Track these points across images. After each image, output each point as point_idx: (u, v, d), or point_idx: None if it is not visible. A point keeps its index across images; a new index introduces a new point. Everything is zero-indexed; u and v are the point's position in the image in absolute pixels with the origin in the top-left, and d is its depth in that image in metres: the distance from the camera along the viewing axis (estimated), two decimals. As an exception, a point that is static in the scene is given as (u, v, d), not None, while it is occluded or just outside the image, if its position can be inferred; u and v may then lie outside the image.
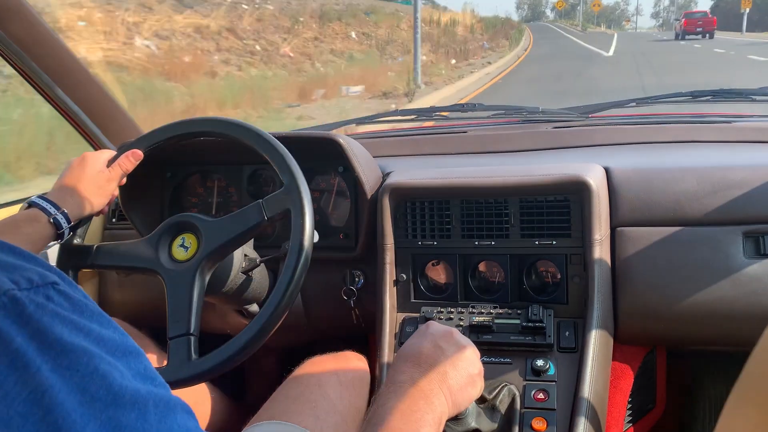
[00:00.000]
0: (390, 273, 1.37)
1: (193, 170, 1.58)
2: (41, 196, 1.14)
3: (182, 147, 1.30)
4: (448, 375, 0.79)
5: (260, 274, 1.32)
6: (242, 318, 1.41)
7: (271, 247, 1.34)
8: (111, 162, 1.22)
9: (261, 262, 1.28)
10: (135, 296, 1.58)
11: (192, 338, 1.08)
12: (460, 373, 0.80)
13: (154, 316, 1.20)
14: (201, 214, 1.17)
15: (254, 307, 1.36)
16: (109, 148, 1.62)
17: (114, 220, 1.61)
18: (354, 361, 1.32)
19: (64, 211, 1.13)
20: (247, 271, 1.26)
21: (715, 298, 1.23)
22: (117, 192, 1.27)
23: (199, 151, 1.51)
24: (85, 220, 1.22)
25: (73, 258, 1.20)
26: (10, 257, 0.42)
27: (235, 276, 1.24)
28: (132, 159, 1.23)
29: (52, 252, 1.43)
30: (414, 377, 0.76)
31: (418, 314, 1.35)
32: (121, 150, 1.24)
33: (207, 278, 1.14)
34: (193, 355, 1.06)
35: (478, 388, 0.85)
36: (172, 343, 1.08)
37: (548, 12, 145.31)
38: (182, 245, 1.17)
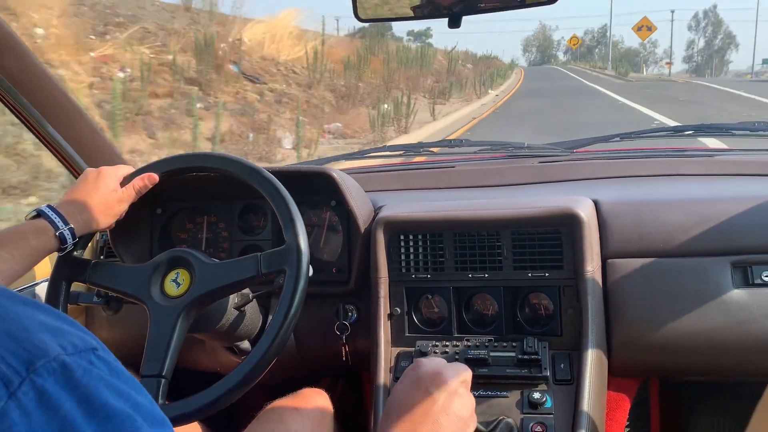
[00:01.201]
0: (384, 307, 1.37)
1: (183, 206, 1.57)
2: (51, 207, 1.12)
3: (173, 182, 1.29)
4: (441, 425, 0.78)
5: (252, 310, 1.31)
6: (232, 355, 1.38)
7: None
8: (126, 181, 1.21)
9: (253, 297, 1.26)
10: (123, 335, 1.55)
11: (162, 381, 1.06)
12: (452, 419, 0.79)
13: (142, 355, 1.18)
14: (197, 251, 1.16)
15: (245, 344, 1.34)
16: None
17: (102, 257, 1.59)
18: (313, 397, 1.31)
19: (71, 226, 1.12)
20: (239, 307, 1.24)
21: (706, 328, 1.25)
22: (124, 213, 1.25)
23: (189, 187, 1.50)
24: (89, 235, 1.21)
25: (70, 269, 1.18)
26: (56, 321, 0.42)
27: (228, 312, 1.22)
28: (147, 182, 1.21)
29: (41, 289, 1.40)
30: (407, 430, 0.76)
31: (413, 348, 1.34)
32: (139, 171, 1.23)
33: (191, 321, 1.13)
34: (160, 400, 1.05)
35: (471, 428, 0.83)
36: (143, 381, 1.06)
37: (560, 55, 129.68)
38: (175, 280, 1.15)
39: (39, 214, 1.12)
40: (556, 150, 1.82)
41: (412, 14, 1.07)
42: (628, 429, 1.40)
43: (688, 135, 1.74)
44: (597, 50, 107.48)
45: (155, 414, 0.43)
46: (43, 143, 1.47)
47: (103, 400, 0.39)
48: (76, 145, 1.49)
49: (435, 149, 1.92)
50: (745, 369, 1.29)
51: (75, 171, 1.54)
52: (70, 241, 1.13)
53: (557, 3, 1.06)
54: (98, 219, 1.18)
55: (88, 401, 0.38)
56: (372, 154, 1.93)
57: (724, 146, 1.78)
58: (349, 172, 1.84)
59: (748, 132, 1.69)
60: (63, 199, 1.17)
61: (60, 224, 1.11)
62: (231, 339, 1.30)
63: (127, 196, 1.21)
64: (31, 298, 0.43)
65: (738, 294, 1.25)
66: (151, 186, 1.22)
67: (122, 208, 1.22)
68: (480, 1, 1.03)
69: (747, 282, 1.25)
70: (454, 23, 1.06)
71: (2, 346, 0.37)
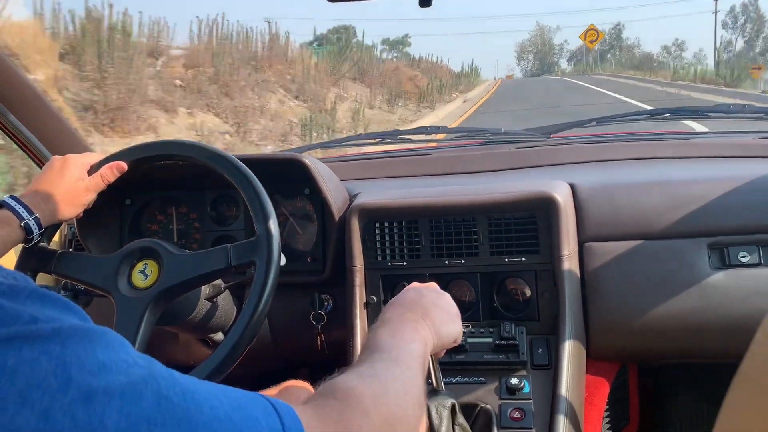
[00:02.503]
0: (360, 295, 1.35)
1: (153, 196, 1.54)
2: (14, 198, 1.08)
3: (143, 172, 1.26)
4: (430, 311, 0.85)
5: (225, 302, 1.28)
6: (207, 348, 1.35)
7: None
8: (93, 170, 1.17)
9: (225, 288, 1.23)
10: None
11: None
12: (442, 311, 0.88)
13: None
14: (166, 242, 1.13)
15: (219, 336, 1.31)
16: None
17: (71, 249, 1.55)
18: (298, 391, 1.28)
19: (36, 216, 1.08)
20: (211, 298, 1.21)
21: (683, 309, 1.24)
22: (91, 202, 1.20)
23: (159, 177, 1.47)
24: (56, 226, 1.17)
25: (35, 261, 1.15)
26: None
27: (200, 304, 1.19)
28: (115, 170, 1.17)
29: None
30: (400, 313, 0.83)
31: None
32: (106, 159, 1.18)
33: (159, 313, 1.10)
34: None
35: (458, 326, 0.91)
36: None
37: (563, 62, 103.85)
38: (143, 271, 1.12)
39: (2, 205, 1.08)
40: (533, 135, 1.81)
41: (380, -7, 1.05)
42: (607, 413, 1.39)
43: (664, 118, 1.74)
44: (610, 55, 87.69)
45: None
46: (5, 133, 1.42)
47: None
48: (39, 135, 1.45)
49: (412, 136, 1.90)
50: (723, 350, 1.29)
51: (40, 161, 1.49)
52: (36, 231, 1.09)
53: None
54: (64, 209, 1.14)
55: (52, 299, 0.45)
56: (348, 143, 1.90)
57: (700, 129, 1.77)
58: (325, 161, 1.81)
59: (723, 115, 1.69)
60: (27, 189, 1.13)
61: (24, 215, 1.07)
62: (204, 331, 1.28)
63: (95, 185, 1.17)
64: None
65: (715, 275, 1.24)
66: (119, 175, 1.18)
67: (89, 197, 1.18)
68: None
69: (723, 263, 1.25)
70: (425, 2, 1.03)
71: None
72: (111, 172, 1.17)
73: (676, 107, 1.74)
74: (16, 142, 1.44)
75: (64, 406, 0.40)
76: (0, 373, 0.39)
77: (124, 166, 1.18)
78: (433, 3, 1.05)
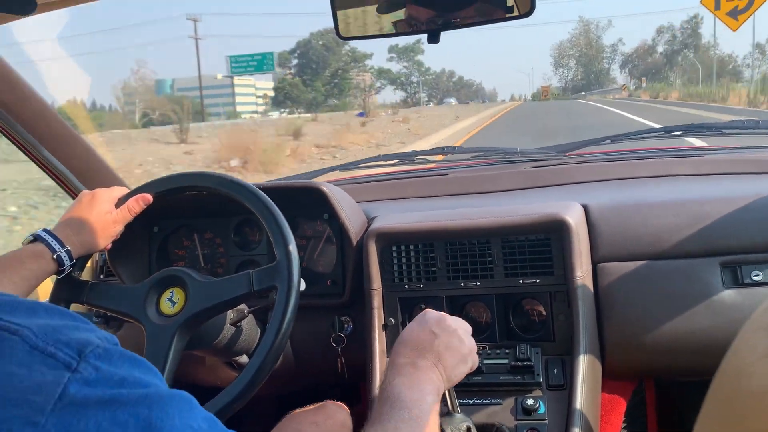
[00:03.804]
0: (378, 318, 1.38)
1: (179, 223, 1.59)
2: (47, 231, 1.14)
3: (169, 200, 1.31)
4: (442, 356, 0.90)
5: (249, 325, 1.33)
6: (232, 370, 1.40)
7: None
8: (120, 202, 1.23)
9: (249, 312, 1.28)
10: None
11: None
12: (453, 353, 0.92)
13: None
14: (191, 270, 1.18)
15: (244, 359, 1.36)
16: None
17: (101, 276, 1.61)
18: (334, 411, 1.32)
19: (68, 248, 1.14)
20: (235, 323, 1.26)
21: (697, 328, 1.26)
22: (119, 233, 1.27)
23: (184, 204, 1.52)
24: (86, 257, 1.23)
25: (68, 291, 1.21)
26: (79, 322, 0.52)
27: (225, 328, 1.24)
28: (141, 202, 1.23)
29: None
30: (414, 360, 0.88)
31: None
32: (132, 192, 1.25)
33: (187, 339, 1.15)
34: None
35: (469, 364, 0.96)
36: None
37: (615, 70, 75.35)
38: (170, 299, 1.17)
39: (36, 238, 1.14)
40: (548, 154, 1.83)
41: (391, 32, 1.09)
42: (624, 431, 1.41)
43: (678, 135, 1.75)
44: (681, 57, 66.68)
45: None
46: (40, 167, 1.49)
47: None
48: (72, 168, 1.52)
49: (428, 157, 1.93)
50: None
51: (73, 193, 1.56)
52: (67, 263, 1.15)
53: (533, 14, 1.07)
54: (94, 240, 1.20)
55: (136, 361, 0.51)
56: (365, 164, 1.95)
57: (715, 145, 1.78)
58: (342, 183, 1.86)
59: (738, 131, 1.69)
60: (59, 222, 1.20)
61: (57, 247, 1.13)
62: (229, 354, 1.32)
63: (122, 217, 1.23)
64: (57, 307, 0.53)
65: (728, 294, 1.26)
66: (145, 206, 1.25)
67: (117, 228, 1.24)
68: (456, 16, 1.04)
69: (737, 282, 1.26)
70: (433, 39, 1.07)
71: (58, 344, 0.47)
72: (137, 204, 1.23)
73: (690, 124, 1.75)
74: (50, 175, 1.51)
75: None
76: None
77: (149, 197, 1.24)
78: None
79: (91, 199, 1.22)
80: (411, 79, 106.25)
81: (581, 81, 79.39)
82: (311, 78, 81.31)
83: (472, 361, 0.96)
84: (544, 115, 27.76)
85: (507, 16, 1.10)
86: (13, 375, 0.45)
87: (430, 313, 0.97)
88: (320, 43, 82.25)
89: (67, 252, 1.14)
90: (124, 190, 1.27)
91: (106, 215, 1.21)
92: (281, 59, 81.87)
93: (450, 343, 0.92)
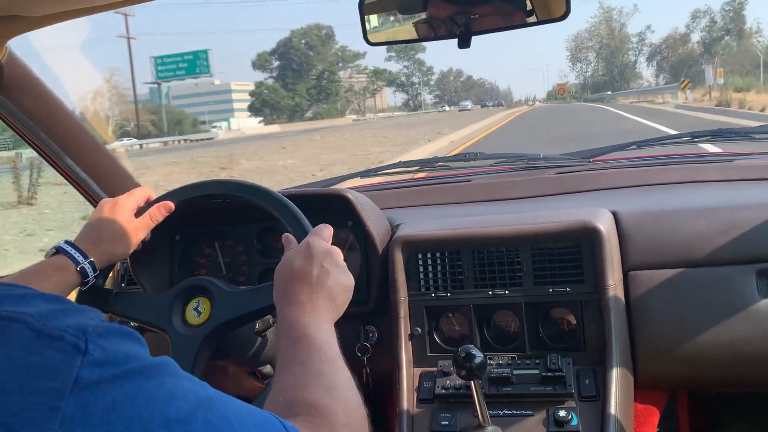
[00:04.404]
0: (405, 327, 1.36)
1: (201, 231, 1.58)
2: (69, 243, 1.13)
3: (191, 208, 1.30)
4: (334, 292, 0.94)
5: (274, 335, 1.31)
6: (256, 380, 1.38)
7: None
8: (141, 211, 1.22)
9: (274, 322, 1.26)
10: None
11: None
12: (343, 290, 0.96)
13: None
14: (217, 279, 1.17)
15: (268, 369, 1.34)
16: None
17: (123, 284, 1.60)
18: None
19: (91, 260, 1.13)
20: (261, 333, 1.25)
21: (732, 338, 1.22)
22: (142, 242, 1.25)
23: (206, 211, 1.51)
24: (110, 266, 1.22)
25: (92, 301, 1.19)
26: (74, 306, 0.55)
27: (249, 338, 1.22)
28: (163, 210, 1.22)
29: None
30: (310, 297, 0.91)
31: (436, 368, 1.33)
32: (156, 200, 1.23)
33: (213, 349, 1.13)
34: None
35: (351, 293, 0.99)
36: None
37: (642, 63, 62.66)
38: (196, 309, 1.16)
39: (58, 250, 1.13)
40: (572, 160, 1.81)
41: (419, 37, 1.07)
42: None
43: (706, 140, 1.72)
44: (724, 42, 55.09)
45: None
46: (62, 175, 1.49)
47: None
48: (94, 176, 1.51)
49: (451, 163, 1.91)
50: None
51: (94, 201, 1.56)
52: (91, 274, 1.13)
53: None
54: (116, 250, 1.18)
55: (128, 335, 0.54)
56: (386, 171, 1.93)
57: (744, 150, 1.74)
58: (365, 189, 1.84)
59: (767, 135, 1.66)
60: (80, 233, 1.18)
61: (80, 259, 1.11)
62: (254, 364, 1.30)
63: (144, 225, 1.21)
64: (44, 292, 0.55)
65: (764, 303, 1.22)
66: (167, 214, 1.23)
67: (139, 237, 1.22)
68: (484, 20, 1.03)
69: None
70: (464, 43, 1.06)
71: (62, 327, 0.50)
72: (159, 212, 1.22)
73: (718, 129, 1.71)
74: (72, 183, 1.50)
75: None
76: (112, 408, 0.48)
77: (171, 205, 1.22)
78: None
79: (112, 206, 1.20)
80: (412, 79, 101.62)
81: (603, 77, 68.64)
82: (293, 81, 74.56)
83: (351, 291, 0.99)
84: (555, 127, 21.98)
85: (535, 21, 1.08)
86: (27, 364, 0.47)
87: (316, 245, 0.98)
88: (303, 42, 75.95)
89: (91, 263, 1.13)
90: (145, 196, 1.25)
91: (128, 224, 1.19)
92: (260, 61, 76.46)
93: (339, 278, 0.95)
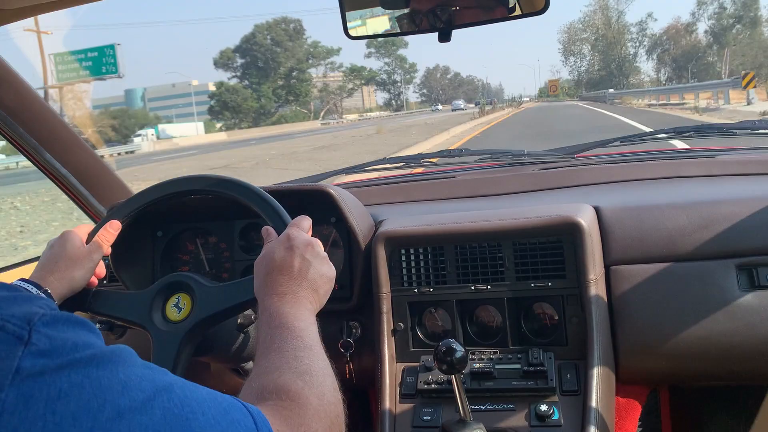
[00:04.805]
0: (387, 322, 1.36)
1: (184, 227, 1.57)
2: (23, 280, 1.11)
3: (172, 205, 1.29)
4: (317, 283, 0.94)
5: (256, 331, 1.30)
6: (238, 377, 1.37)
7: None
8: (91, 236, 1.20)
9: (256, 318, 1.26)
10: None
11: None
12: (325, 281, 0.96)
13: None
14: (197, 275, 1.16)
15: (250, 365, 1.33)
16: (97, 209, 1.61)
17: (105, 281, 1.59)
18: None
19: (46, 290, 1.11)
20: (242, 328, 1.24)
21: (712, 332, 1.23)
22: (101, 262, 1.23)
23: (188, 208, 1.50)
24: (83, 293, 1.19)
25: (71, 300, 1.18)
26: (18, 293, 0.53)
27: (231, 334, 1.22)
28: (111, 230, 1.21)
29: None
30: (293, 288, 0.91)
31: (418, 363, 1.33)
32: (100, 225, 1.21)
33: (195, 345, 1.12)
34: None
35: (332, 283, 0.99)
36: None
37: (643, 56, 56.41)
38: (176, 305, 1.15)
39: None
40: (556, 156, 1.81)
41: (399, 31, 1.07)
42: None
43: (689, 136, 1.72)
44: (735, 31, 47.92)
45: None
46: (43, 172, 1.47)
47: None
48: (76, 173, 1.49)
49: (435, 160, 1.91)
50: (754, 372, 1.27)
51: (74, 196, 1.54)
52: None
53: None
54: (73, 275, 1.15)
55: (79, 323, 0.52)
56: (371, 167, 1.93)
57: (726, 146, 1.76)
58: (349, 186, 1.84)
59: (749, 131, 1.67)
60: (36, 267, 1.16)
61: (33, 290, 1.09)
62: (236, 361, 1.30)
63: (96, 247, 1.19)
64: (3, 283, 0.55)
65: (744, 297, 1.23)
66: (116, 233, 1.21)
67: (96, 258, 1.19)
68: (466, 14, 1.02)
69: (753, 284, 1.24)
70: (444, 37, 1.05)
71: (5, 317, 0.48)
72: (107, 233, 1.20)
73: (701, 125, 1.72)
74: (53, 180, 1.48)
75: (103, 426, 0.48)
76: (57, 398, 0.47)
77: (117, 224, 1.21)
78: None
79: (59, 240, 1.19)
80: (394, 77, 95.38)
81: (599, 72, 61.20)
82: (258, 81, 68.18)
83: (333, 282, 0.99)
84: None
85: (515, 14, 1.08)
86: None
87: (297, 237, 0.97)
88: (267, 38, 69.16)
89: (46, 293, 1.11)
90: (90, 227, 1.23)
91: (79, 249, 1.18)
92: (223, 59, 70.40)
93: (321, 269, 0.95)
